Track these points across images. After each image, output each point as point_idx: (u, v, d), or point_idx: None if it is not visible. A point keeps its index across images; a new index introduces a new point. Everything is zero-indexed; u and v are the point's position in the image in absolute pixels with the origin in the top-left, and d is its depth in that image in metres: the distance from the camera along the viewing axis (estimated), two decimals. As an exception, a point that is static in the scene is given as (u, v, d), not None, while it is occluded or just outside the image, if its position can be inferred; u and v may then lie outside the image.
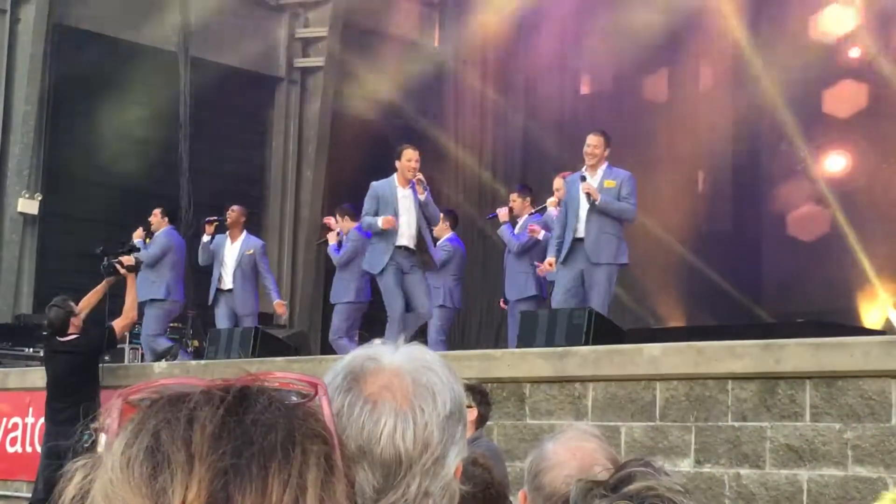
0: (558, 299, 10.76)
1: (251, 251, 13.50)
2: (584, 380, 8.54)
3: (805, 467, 7.46)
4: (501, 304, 13.30)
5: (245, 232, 13.71)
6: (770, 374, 7.69)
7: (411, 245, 11.33)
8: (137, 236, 13.86)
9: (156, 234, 13.71)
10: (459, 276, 13.30)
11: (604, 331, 9.28)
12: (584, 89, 19.50)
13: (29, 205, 16.26)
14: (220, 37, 18.29)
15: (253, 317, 13.38)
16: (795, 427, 7.54)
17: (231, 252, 13.49)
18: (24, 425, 11.93)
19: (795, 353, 7.65)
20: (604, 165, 10.93)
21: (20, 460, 11.80)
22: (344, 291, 13.09)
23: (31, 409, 11.75)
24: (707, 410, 7.93)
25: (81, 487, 1.07)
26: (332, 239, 13.60)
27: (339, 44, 19.14)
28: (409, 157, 11.49)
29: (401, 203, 11.36)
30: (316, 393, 1.12)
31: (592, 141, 10.96)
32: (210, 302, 13.50)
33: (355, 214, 13.55)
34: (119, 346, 13.94)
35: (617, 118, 18.03)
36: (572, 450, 2.76)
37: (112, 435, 1.08)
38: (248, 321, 13.13)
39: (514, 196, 13.23)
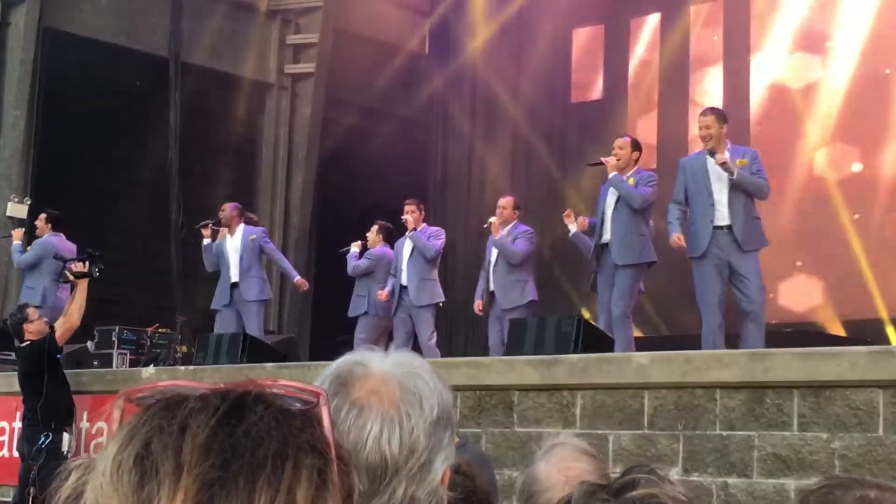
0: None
1: (253, 236, 13.55)
2: (572, 388, 8.55)
3: (792, 476, 7.47)
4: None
5: (243, 224, 13.74)
6: (757, 384, 7.70)
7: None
8: (17, 237, 13.99)
9: (37, 240, 13.75)
10: (386, 285, 13.39)
11: (592, 339, 9.29)
12: (575, 97, 19.51)
13: (18, 209, 16.21)
14: (210, 42, 18.28)
15: (259, 304, 13.47)
16: (783, 436, 7.55)
17: (233, 245, 13.54)
18: (12, 430, 11.91)
19: (783, 363, 7.67)
20: (727, 146, 9.89)
21: (6, 465, 11.78)
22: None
23: (18, 414, 11.73)
24: (695, 419, 7.94)
25: (75, 489, 1.07)
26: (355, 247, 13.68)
27: (329, 50, 19.15)
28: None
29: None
30: (317, 402, 1.10)
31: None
32: (224, 304, 13.46)
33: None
34: (107, 351, 13.95)
35: (609, 126, 18.06)
36: (563, 470, 2.76)
37: (110, 436, 1.07)
38: (254, 309, 13.29)
39: (410, 208, 13.12)
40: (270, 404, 1.06)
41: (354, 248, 13.47)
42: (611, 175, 10.60)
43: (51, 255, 13.38)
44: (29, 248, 13.87)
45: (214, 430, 1.02)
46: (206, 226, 13.65)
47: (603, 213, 10.71)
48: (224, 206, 13.81)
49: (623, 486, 1.81)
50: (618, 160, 10.65)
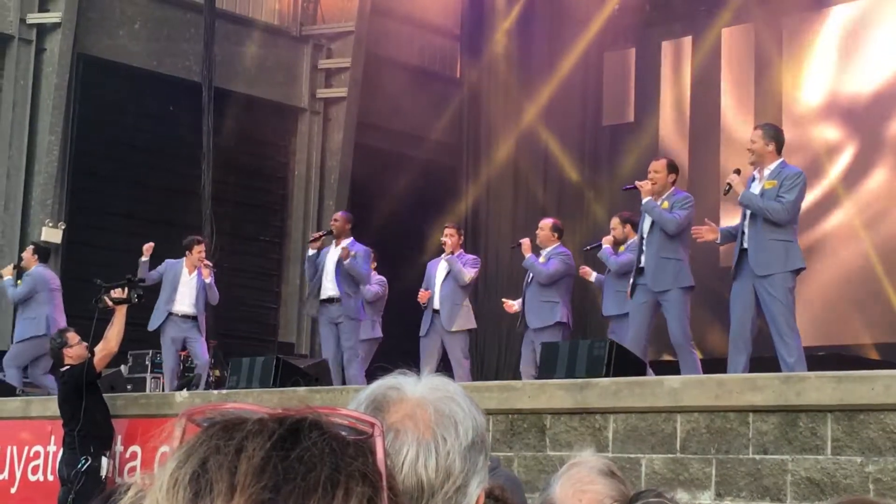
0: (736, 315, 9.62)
1: (353, 253, 12.84)
2: (604, 411, 8.53)
3: (826, 501, 7.43)
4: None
5: (352, 238, 13.16)
6: (791, 407, 7.67)
7: None
8: (7, 273, 14.05)
9: (27, 272, 13.86)
10: (382, 311, 13.59)
11: (624, 363, 9.27)
12: (607, 120, 19.52)
13: (52, 233, 16.33)
14: (243, 67, 18.40)
15: (357, 322, 13.02)
16: (817, 460, 7.52)
17: (332, 257, 12.99)
18: (46, 454, 11.96)
19: (816, 386, 7.63)
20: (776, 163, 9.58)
21: (42, 489, 11.83)
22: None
23: (52, 438, 11.79)
24: (728, 443, 7.92)
25: (133, 502, 1.10)
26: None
27: (361, 74, 19.22)
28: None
29: None
30: (372, 433, 1.12)
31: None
32: (314, 312, 13.30)
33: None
34: (140, 375, 14.02)
35: (640, 149, 18.06)
36: (577, 495, 2.76)
37: (171, 454, 1.10)
38: (351, 327, 12.88)
39: (450, 231, 13.00)
40: (326, 431, 1.09)
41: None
42: (644, 200, 10.44)
43: (44, 286, 13.53)
44: (20, 281, 13.89)
45: (269, 453, 1.05)
46: (315, 239, 13.27)
47: (642, 237, 10.64)
48: (337, 217, 13.36)
49: None
50: (654, 184, 10.50)
